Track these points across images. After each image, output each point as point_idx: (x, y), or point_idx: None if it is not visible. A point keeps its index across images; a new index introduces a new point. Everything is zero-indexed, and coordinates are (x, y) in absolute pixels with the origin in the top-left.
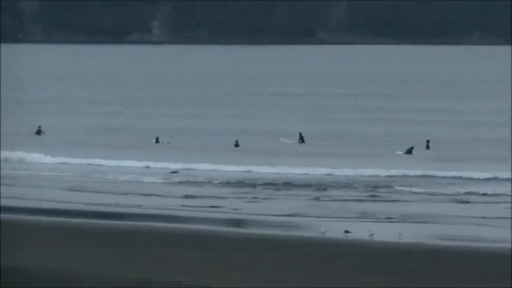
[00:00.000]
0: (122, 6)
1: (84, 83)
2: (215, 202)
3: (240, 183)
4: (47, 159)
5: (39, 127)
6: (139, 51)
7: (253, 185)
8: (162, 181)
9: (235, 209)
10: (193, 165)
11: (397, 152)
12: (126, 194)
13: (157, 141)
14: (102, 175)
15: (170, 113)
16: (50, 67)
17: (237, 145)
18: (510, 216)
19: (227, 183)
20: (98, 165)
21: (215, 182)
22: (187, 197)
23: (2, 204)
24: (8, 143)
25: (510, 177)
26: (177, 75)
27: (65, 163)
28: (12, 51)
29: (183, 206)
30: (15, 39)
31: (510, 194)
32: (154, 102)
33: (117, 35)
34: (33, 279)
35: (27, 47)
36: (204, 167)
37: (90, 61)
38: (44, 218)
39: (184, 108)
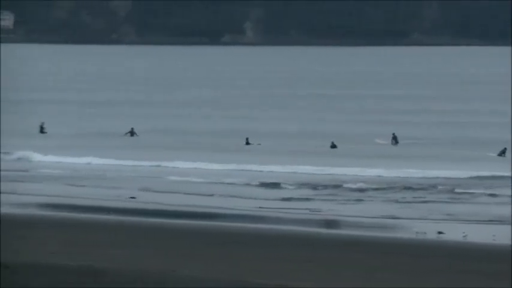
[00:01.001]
0: (215, 8)
1: (175, 84)
2: (309, 204)
3: (334, 185)
4: (144, 162)
5: (132, 129)
6: (233, 52)
7: (344, 187)
8: (256, 183)
9: (330, 210)
10: (289, 168)
11: (490, 154)
12: (225, 196)
13: (247, 143)
14: (204, 177)
15: (260, 115)
16: (143, 68)
17: (333, 146)
18: None
19: (321, 185)
20: (196, 168)
21: (310, 183)
22: (283, 199)
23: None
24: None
25: None
26: (267, 76)
27: (165, 166)
28: (105, 52)
29: (277, 208)
30: (109, 41)
31: None
32: (247, 104)
33: (210, 37)
34: (134, 281)
35: (120, 48)
36: (301, 170)
37: (183, 62)
38: (143, 219)
39: (274, 111)
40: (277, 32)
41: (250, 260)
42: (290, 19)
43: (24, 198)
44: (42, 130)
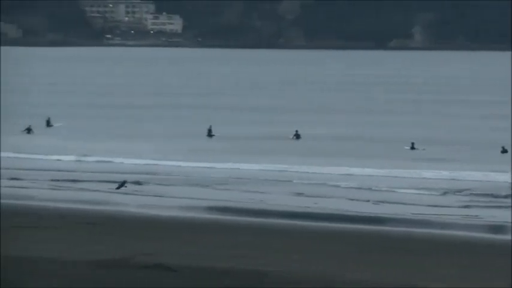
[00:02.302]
0: (383, 12)
1: (339, 89)
2: (471, 211)
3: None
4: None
5: (296, 132)
6: (401, 57)
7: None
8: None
9: (491, 216)
10: (456, 174)
11: None
12: (396, 203)
13: (412, 148)
14: (377, 184)
15: (426, 120)
16: (310, 72)
17: (504, 151)
18: None
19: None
20: (362, 175)
21: (477, 189)
22: (465, 206)
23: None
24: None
25: None
26: (435, 82)
27: (314, 172)
28: (272, 56)
29: (442, 214)
30: (276, 45)
31: None
32: (412, 110)
33: (377, 41)
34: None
35: (287, 53)
36: (465, 176)
37: (351, 67)
38: (309, 224)
39: (440, 117)
40: (447, 37)
41: (416, 265)
42: (459, 24)
43: (193, 202)
44: (209, 133)
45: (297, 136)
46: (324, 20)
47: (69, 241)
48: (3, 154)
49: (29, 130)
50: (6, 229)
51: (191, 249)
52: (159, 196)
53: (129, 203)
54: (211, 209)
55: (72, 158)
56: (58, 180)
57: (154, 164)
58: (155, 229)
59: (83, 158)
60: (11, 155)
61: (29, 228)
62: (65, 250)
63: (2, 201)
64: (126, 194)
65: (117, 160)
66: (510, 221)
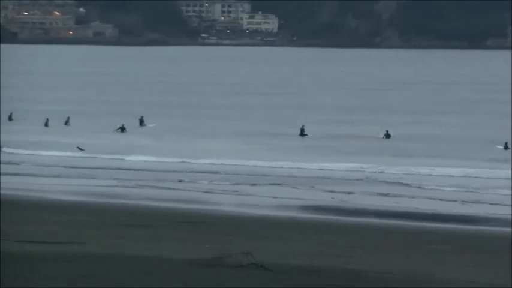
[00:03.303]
0: (479, 11)
1: (431, 89)
2: None
3: None
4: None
5: (387, 132)
6: (496, 56)
7: None
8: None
9: None
10: None
11: None
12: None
13: (506, 147)
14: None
15: None
16: (404, 72)
17: None
18: None
19: None
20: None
21: None
22: None
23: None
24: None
25: None
26: None
27: (405, 173)
28: (367, 55)
29: None
30: (372, 44)
31: None
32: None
33: (473, 40)
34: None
35: (383, 52)
36: None
37: (445, 67)
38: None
39: None
40: None
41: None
42: None
43: (286, 202)
44: (302, 133)
45: (387, 136)
46: (419, 19)
47: (168, 239)
48: (106, 156)
49: (122, 129)
50: (112, 227)
51: (284, 247)
52: (255, 196)
53: (226, 203)
54: (303, 208)
55: (176, 159)
56: (159, 180)
57: (249, 165)
58: (251, 228)
59: (186, 160)
60: (110, 156)
61: (133, 227)
62: (163, 248)
63: (111, 200)
64: (223, 193)
65: (209, 160)
66: None
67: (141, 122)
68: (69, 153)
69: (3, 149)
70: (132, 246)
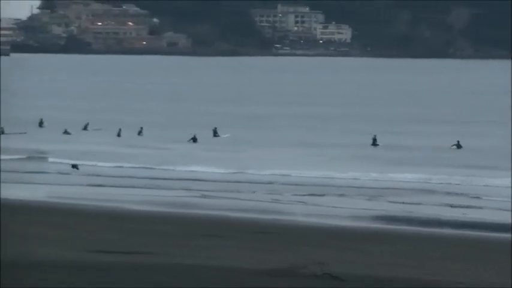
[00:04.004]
0: None
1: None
2: None
3: None
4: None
5: (458, 142)
6: None
7: None
8: None
9: None
10: None
11: None
12: None
13: None
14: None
15: None
16: (477, 82)
17: None
18: None
19: None
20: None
21: None
22: None
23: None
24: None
25: None
26: None
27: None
28: (441, 66)
29: None
30: (445, 54)
31: None
32: None
33: None
34: None
35: (456, 63)
36: None
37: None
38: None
39: None
40: None
41: None
42: None
43: (358, 212)
44: (374, 143)
45: (458, 146)
46: (492, 29)
47: (240, 250)
48: (176, 167)
49: (194, 140)
50: (183, 237)
51: (356, 257)
52: (325, 206)
53: (297, 213)
54: (374, 218)
55: (248, 170)
56: (230, 191)
57: (321, 176)
58: (322, 238)
59: (257, 170)
60: (180, 167)
61: (205, 237)
62: (236, 258)
63: (181, 210)
64: (295, 203)
65: (281, 171)
66: None
67: (215, 133)
68: (140, 164)
69: (79, 162)
70: (205, 256)
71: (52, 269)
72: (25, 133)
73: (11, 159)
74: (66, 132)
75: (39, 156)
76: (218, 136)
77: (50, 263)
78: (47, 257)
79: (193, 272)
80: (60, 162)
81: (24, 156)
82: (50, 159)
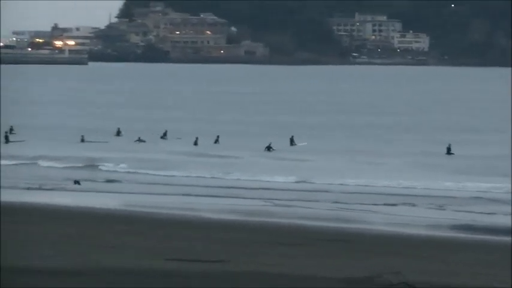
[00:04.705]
0: None
1: None
2: None
3: None
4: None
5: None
6: None
7: None
8: None
9: None
10: None
11: None
12: None
13: None
14: None
15: None
16: None
17: None
18: None
19: None
20: None
21: None
22: None
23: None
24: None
25: None
26: None
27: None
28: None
29: None
30: None
31: None
32: None
33: None
34: None
35: None
36: None
37: None
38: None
39: None
40: None
41: None
42: None
43: (432, 221)
44: (448, 152)
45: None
46: None
47: (319, 258)
48: (252, 177)
49: (269, 148)
50: (262, 245)
51: (433, 266)
52: (401, 215)
53: (374, 221)
54: (452, 227)
55: (324, 179)
56: (307, 200)
57: (400, 185)
58: (400, 247)
59: (334, 180)
60: (255, 176)
61: (284, 245)
62: (315, 267)
63: (259, 219)
64: (371, 212)
65: (358, 180)
66: None
67: (292, 142)
68: (213, 173)
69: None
70: (279, 264)
71: (129, 276)
72: (106, 142)
73: (71, 166)
74: (139, 140)
75: (97, 164)
76: (295, 145)
77: (127, 270)
78: (123, 264)
79: (268, 280)
80: (135, 172)
81: (90, 164)
82: (122, 168)
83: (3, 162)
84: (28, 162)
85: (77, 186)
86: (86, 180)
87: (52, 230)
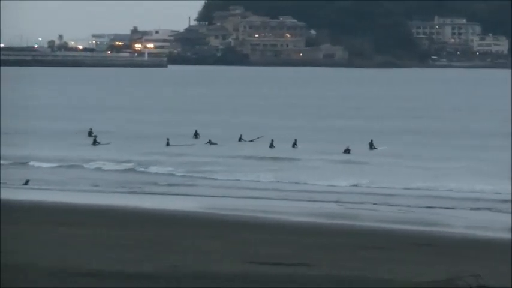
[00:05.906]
0: None
1: None
2: None
3: None
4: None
5: None
6: None
7: None
8: None
9: None
10: None
11: None
12: None
13: None
14: None
15: None
16: None
17: None
18: None
19: None
20: None
21: None
22: None
23: None
24: None
25: None
26: None
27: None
28: None
29: None
30: None
31: None
32: None
33: None
34: None
35: None
36: None
37: None
38: None
39: None
40: None
41: None
42: None
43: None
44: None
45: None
46: None
47: (400, 262)
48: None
49: (347, 151)
50: (342, 248)
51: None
52: (479, 218)
53: (454, 224)
54: None
55: (403, 184)
56: (383, 204)
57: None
58: (478, 250)
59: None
60: (330, 181)
61: (364, 249)
62: (397, 271)
63: (338, 221)
64: (449, 215)
65: (430, 183)
66: None
67: (371, 145)
68: (291, 177)
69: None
70: (359, 267)
71: (209, 280)
72: (193, 145)
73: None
74: (210, 142)
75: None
76: (375, 148)
77: (207, 274)
78: (205, 268)
79: (349, 283)
80: (204, 177)
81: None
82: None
83: (104, 164)
84: (129, 167)
85: (154, 187)
86: (172, 185)
87: (130, 234)
